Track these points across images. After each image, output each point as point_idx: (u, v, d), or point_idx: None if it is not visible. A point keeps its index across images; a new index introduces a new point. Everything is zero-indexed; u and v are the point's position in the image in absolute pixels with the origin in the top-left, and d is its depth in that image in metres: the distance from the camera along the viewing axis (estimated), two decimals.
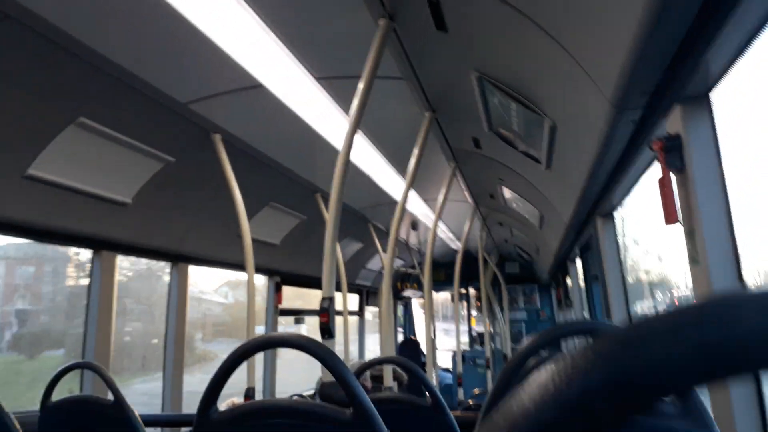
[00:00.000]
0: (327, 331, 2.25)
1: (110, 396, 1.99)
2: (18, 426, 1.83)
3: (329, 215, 2.34)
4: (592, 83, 1.86)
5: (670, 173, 1.75)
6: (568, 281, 6.65)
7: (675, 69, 1.59)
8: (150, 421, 3.03)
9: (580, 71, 1.88)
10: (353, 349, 7.99)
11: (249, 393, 3.53)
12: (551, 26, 1.82)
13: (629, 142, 2.18)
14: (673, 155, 1.69)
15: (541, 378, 0.23)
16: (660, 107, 1.79)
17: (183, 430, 3.63)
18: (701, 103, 1.70)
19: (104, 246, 3.35)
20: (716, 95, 1.70)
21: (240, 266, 4.43)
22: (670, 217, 1.70)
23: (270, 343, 1.11)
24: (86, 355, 3.28)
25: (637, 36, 1.42)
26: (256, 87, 2.89)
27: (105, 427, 1.86)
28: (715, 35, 1.37)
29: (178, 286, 3.98)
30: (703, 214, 1.65)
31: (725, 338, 0.22)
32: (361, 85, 2.36)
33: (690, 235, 1.72)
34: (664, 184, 1.74)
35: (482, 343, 9.24)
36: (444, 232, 7.59)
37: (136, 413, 1.95)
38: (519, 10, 1.86)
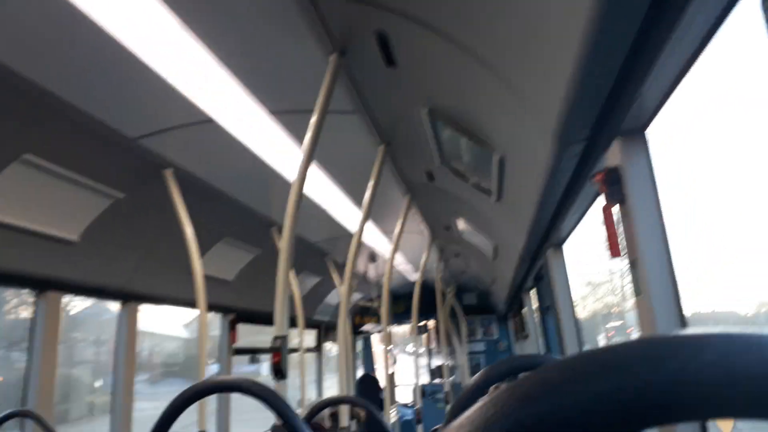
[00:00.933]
0: (279, 371, 2.16)
1: None
2: None
3: (282, 249, 2.31)
4: (536, 118, 1.92)
5: (613, 206, 1.80)
6: (524, 312, 6.72)
7: (612, 104, 1.66)
8: None
9: (524, 106, 1.93)
10: (311, 387, 7.83)
11: None
12: (495, 63, 1.88)
13: (573, 174, 2.25)
14: (614, 188, 1.75)
15: (468, 416, 0.24)
16: (600, 141, 1.86)
17: None
18: (638, 137, 1.77)
19: (49, 286, 3.22)
20: (652, 130, 1.78)
21: (193, 304, 4.32)
22: (614, 250, 1.75)
23: (216, 388, 1.08)
24: (27, 402, 3.11)
25: (574, 72, 1.48)
26: (208, 122, 2.87)
27: None
28: (647, 72, 1.44)
29: (128, 327, 3.84)
30: (644, 245, 1.70)
31: (619, 390, 0.22)
32: (313, 119, 2.38)
33: (633, 265, 1.77)
34: (606, 217, 1.79)
35: (441, 376, 9.20)
36: (402, 264, 7.61)
37: None
38: (464, 47, 1.91)
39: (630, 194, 1.72)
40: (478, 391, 1.03)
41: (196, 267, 3.54)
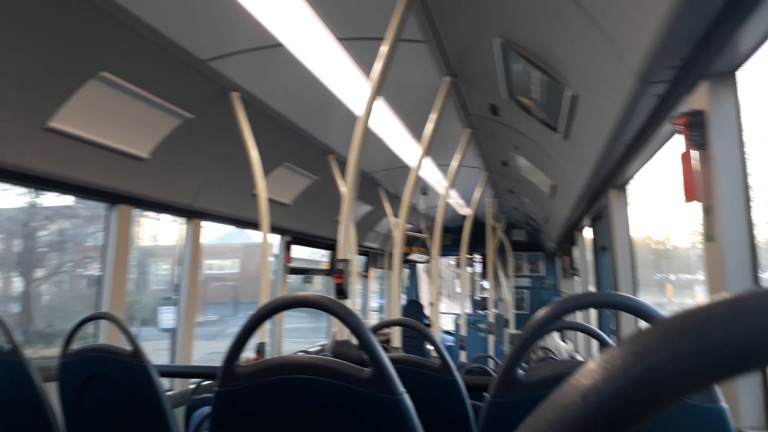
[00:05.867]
0: (342, 291, 2.31)
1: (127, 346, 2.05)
2: (38, 374, 1.90)
3: (347, 181, 2.37)
4: (618, 55, 1.85)
5: (692, 150, 1.75)
6: (575, 251, 6.69)
7: (704, 45, 1.59)
8: (166, 372, 3.12)
9: (606, 42, 1.87)
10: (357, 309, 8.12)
11: (260, 348, 3.62)
12: None
13: (650, 115, 2.18)
14: (696, 132, 1.69)
15: (609, 355, 0.26)
16: (685, 83, 1.78)
17: (192, 381, 3.74)
18: (727, 80, 1.70)
19: (121, 200, 3.38)
20: (743, 72, 1.70)
21: (253, 224, 4.48)
22: (690, 194, 1.72)
23: (293, 303, 1.14)
24: (102, 306, 3.35)
25: (669, 11, 1.42)
26: (276, 46, 2.87)
27: (122, 376, 1.92)
28: (747, 13, 1.37)
29: (192, 241, 4.04)
30: (722, 192, 1.66)
31: None
32: (383, 48, 2.35)
33: (707, 212, 1.74)
34: (685, 161, 1.75)
35: (484, 308, 9.35)
36: (453, 197, 7.61)
37: (152, 364, 2.01)
38: None
39: (713, 140, 1.67)
40: (553, 318, 1.06)
41: (261, 189, 3.64)
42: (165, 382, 3.60)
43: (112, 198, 3.39)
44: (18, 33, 2.28)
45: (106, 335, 3.34)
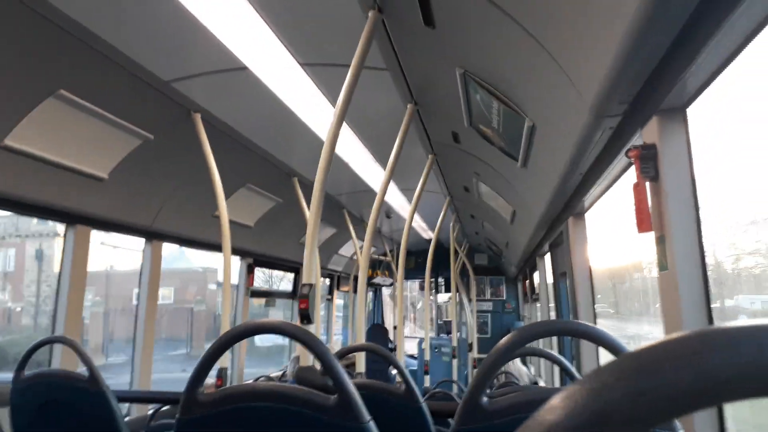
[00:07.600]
0: (306, 317, 2.28)
1: (82, 371, 1.99)
2: None
3: (312, 205, 2.36)
4: (574, 89, 1.91)
5: (645, 182, 1.81)
6: (536, 276, 6.78)
7: (655, 82, 1.65)
8: (124, 397, 3.02)
9: (562, 76, 1.92)
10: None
11: (221, 373, 3.55)
12: (537, 31, 1.86)
13: (605, 147, 2.25)
14: (648, 164, 1.76)
15: (570, 392, 0.27)
16: (638, 117, 1.85)
17: (150, 406, 3.63)
18: (678, 116, 1.77)
19: (78, 220, 3.30)
20: (694, 108, 1.77)
21: (214, 246, 4.42)
22: (642, 225, 1.77)
23: (258, 330, 1.13)
24: (56, 329, 3.24)
25: (621, 47, 1.47)
26: (241, 69, 2.87)
27: (79, 401, 1.86)
28: (696, 53, 1.43)
29: (152, 263, 3.96)
30: (673, 221, 1.72)
31: (728, 367, 0.25)
32: (348, 75, 2.38)
33: (660, 241, 1.79)
34: (638, 192, 1.81)
35: (448, 332, 9.37)
36: (417, 221, 7.66)
37: (110, 389, 1.96)
38: (507, 13, 1.90)
39: (664, 172, 1.73)
40: (515, 347, 1.08)
41: (222, 211, 3.60)
42: (122, 408, 3.49)
43: (70, 218, 3.31)
44: None
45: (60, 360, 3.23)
